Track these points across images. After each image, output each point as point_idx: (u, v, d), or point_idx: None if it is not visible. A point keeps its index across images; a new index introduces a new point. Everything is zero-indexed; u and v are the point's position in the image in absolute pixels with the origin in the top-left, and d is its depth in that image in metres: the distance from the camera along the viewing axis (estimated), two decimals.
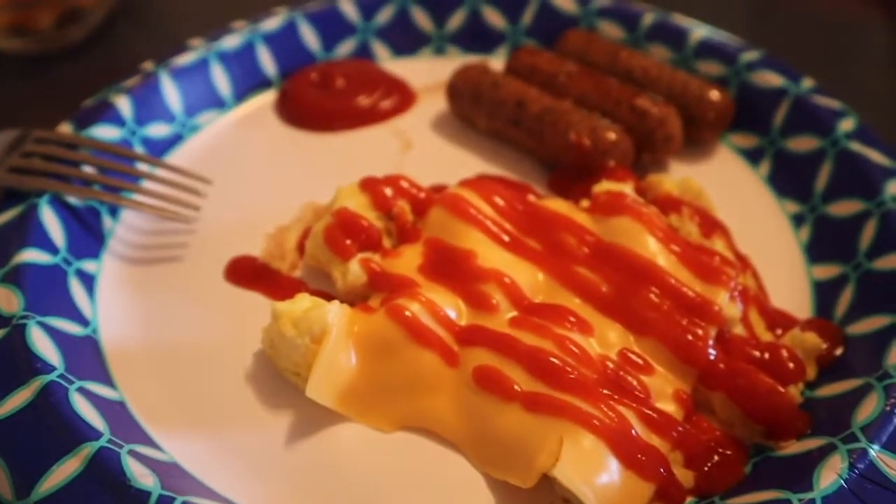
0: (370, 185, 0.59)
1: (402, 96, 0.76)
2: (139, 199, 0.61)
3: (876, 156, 0.60)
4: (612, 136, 0.63)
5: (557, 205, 0.57)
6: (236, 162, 0.69)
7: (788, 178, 0.65)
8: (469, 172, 0.67)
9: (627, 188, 0.59)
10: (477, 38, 0.81)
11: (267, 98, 0.75)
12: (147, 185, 0.62)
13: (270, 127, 0.73)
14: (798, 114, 0.66)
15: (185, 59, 0.71)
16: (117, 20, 0.90)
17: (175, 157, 0.68)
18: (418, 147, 0.71)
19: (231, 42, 0.74)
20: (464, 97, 0.70)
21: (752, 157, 0.68)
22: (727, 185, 0.66)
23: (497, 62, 0.79)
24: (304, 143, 0.71)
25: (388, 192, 0.58)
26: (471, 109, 0.70)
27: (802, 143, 0.65)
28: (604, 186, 0.58)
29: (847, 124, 0.63)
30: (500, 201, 0.57)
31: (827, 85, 0.72)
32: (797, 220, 0.62)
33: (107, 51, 0.87)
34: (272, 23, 0.77)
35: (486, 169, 0.68)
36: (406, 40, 0.81)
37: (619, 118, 0.66)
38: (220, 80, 0.73)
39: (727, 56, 0.72)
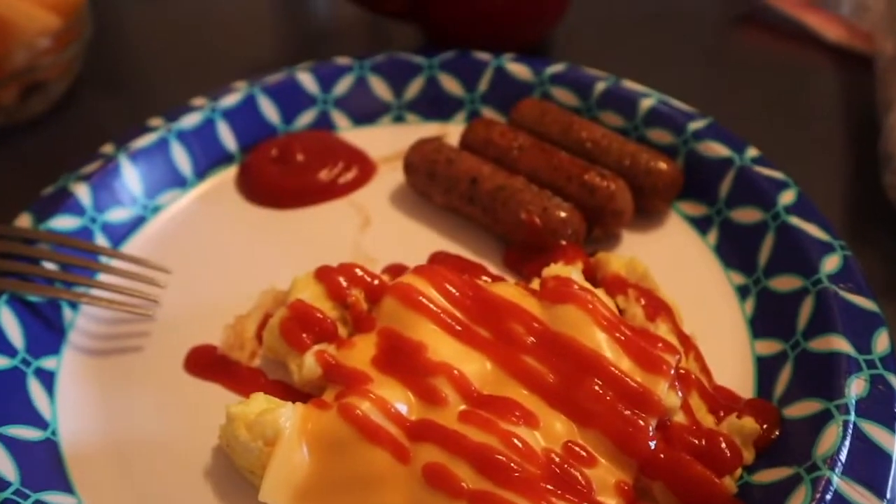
0: (325, 275, 0.60)
1: (362, 168, 0.77)
2: (99, 294, 0.62)
3: (814, 230, 0.62)
4: (562, 214, 0.65)
5: (507, 291, 0.59)
6: (197, 244, 0.70)
7: (734, 249, 0.67)
8: (426, 248, 0.69)
9: (576, 272, 0.60)
10: (435, 105, 0.83)
11: (228, 174, 0.77)
12: (107, 277, 0.64)
13: (231, 204, 0.74)
14: (742, 185, 0.68)
15: (144, 141, 0.73)
16: (79, 91, 0.92)
17: (136, 241, 0.70)
18: (377, 223, 0.72)
19: (191, 120, 0.75)
20: (419, 173, 0.72)
21: (701, 226, 0.70)
22: (677, 255, 0.68)
23: (455, 129, 0.81)
24: (264, 221, 0.73)
25: (343, 281, 0.60)
26: (426, 185, 0.71)
27: (746, 215, 0.67)
28: (552, 271, 0.60)
29: (788, 196, 0.65)
30: (451, 289, 0.58)
31: (776, 137, 0.75)
32: (742, 292, 0.64)
33: (71, 122, 0.89)
34: (231, 98, 0.78)
35: (443, 245, 0.70)
36: (365, 110, 0.83)
37: (570, 194, 0.68)
38: (181, 158, 0.75)
39: (675, 125, 0.74)
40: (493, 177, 0.68)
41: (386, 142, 0.80)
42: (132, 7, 1.10)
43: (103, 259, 0.65)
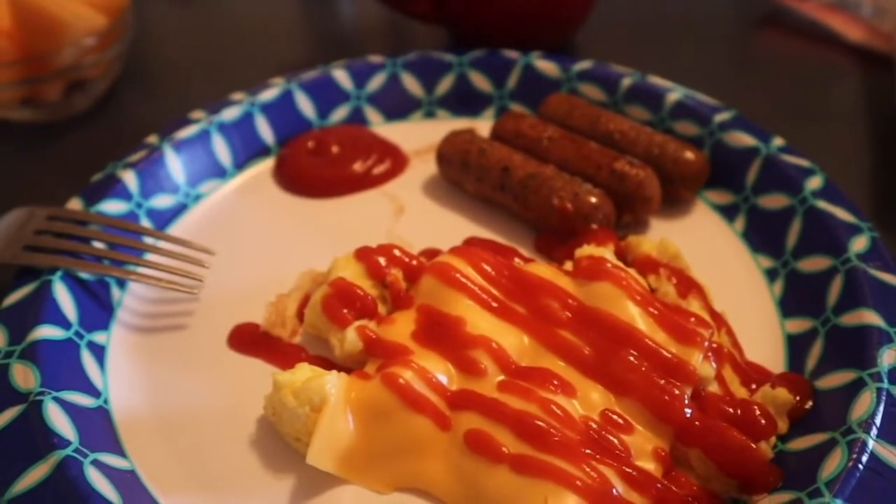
0: (364, 255, 0.62)
1: (395, 161, 0.80)
2: (146, 273, 0.64)
3: (841, 213, 0.64)
4: (593, 199, 0.67)
5: (542, 270, 0.60)
6: (238, 229, 0.72)
7: (762, 234, 0.68)
8: (459, 235, 0.71)
9: (608, 252, 0.62)
10: (465, 101, 0.85)
11: (266, 165, 0.79)
12: (153, 257, 0.66)
13: (269, 194, 0.76)
14: (769, 172, 0.70)
15: (187, 132, 0.75)
16: (121, 89, 0.95)
17: (179, 226, 0.72)
18: (410, 211, 0.74)
19: (231, 113, 0.78)
20: (452, 164, 0.74)
21: (728, 213, 0.72)
22: (705, 241, 0.70)
23: (484, 125, 0.83)
24: (301, 209, 0.75)
25: (382, 261, 0.62)
26: (459, 175, 0.73)
27: (773, 201, 0.69)
28: (585, 251, 0.62)
29: (814, 182, 0.67)
30: (487, 268, 0.60)
31: (799, 137, 0.76)
32: (771, 275, 0.65)
33: (111, 119, 0.92)
34: (269, 93, 0.81)
35: (475, 231, 0.72)
36: (397, 105, 0.85)
37: (600, 182, 0.69)
38: (221, 150, 0.77)
39: (701, 117, 0.76)
40: (525, 165, 0.70)
41: (417, 136, 0.83)
42: (169, 10, 1.14)
43: (150, 240, 0.67)
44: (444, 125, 0.84)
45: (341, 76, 0.84)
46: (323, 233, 0.72)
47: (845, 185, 0.70)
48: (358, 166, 0.78)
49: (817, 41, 1.00)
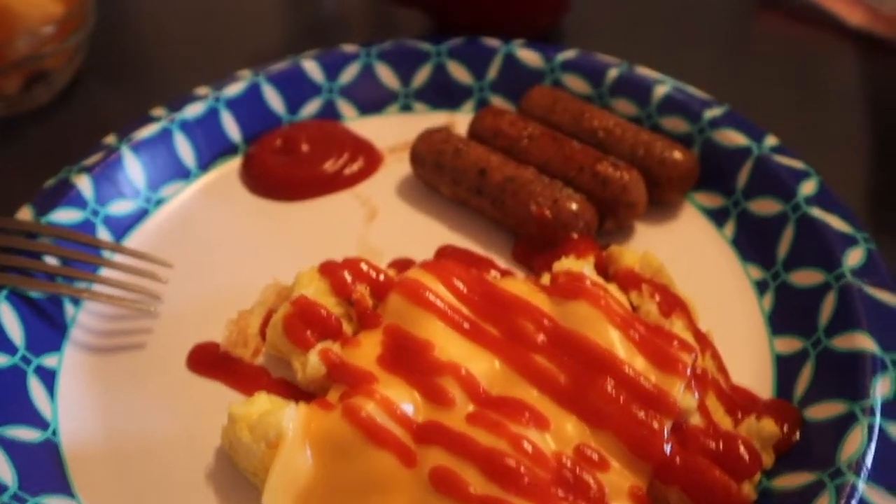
0: (329, 271, 0.59)
1: (368, 159, 0.76)
2: (101, 291, 0.61)
3: (836, 222, 0.60)
4: (573, 206, 0.63)
5: (517, 286, 0.57)
6: (201, 236, 0.69)
7: (752, 242, 0.65)
8: (433, 242, 0.67)
9: (588, 265, 0.59)
10: (443, 93, 0.81)
11: (233, 165, 0.75)
12: (110, 272, 0.62)
13: (236, 196, 0.73)
14: (760, 175, 0.66)
15: (147, 132, 0.71)
16: (86, 79, 0.90)
17: (139, 234, 0.68)
18: (383, 215, 0.70)
19: (194, 110, 0.74)
20: (426, 164, 0.70)
21: (717, 217, 0.68)
22: (693, 248, 0.66)
23: (463, 118, 0.79)
24: (269, 213, 0.71)
25: (348, 276, 0.58)
26: (434, 177, 0.69)
27: (765, 206, 0.65)
28: (564, 265, 0.58)
29: (808, 187, 0.63)
30: (459, 285, 0.57)
31: (795, 126, 0.72)
32: (761, 287, 0.62)
33: (75, 112, 0.87)
34: (235, 87, 0.76)
35: (450, 238, 0.68)
36: (372, 98, 0.81)
37: (581, 185, 0.66)
38: (184, 150, 0.73)
39: (690, 113, 0.71)
40: (503, 168, 0.66)
41: (393, 131, 0.79)
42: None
43: (105, 253, 0.64)
44: (422, 119, 0.80)
45: (312, 68, 0.79)
46: (290, 240, 0.68)
47: (843, 180, 0.66)
48: (329, 166, 0.74)
49: (816, 25, 0.95)
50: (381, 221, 0.70)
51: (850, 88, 0.86)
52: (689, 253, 0.66)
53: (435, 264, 0.58)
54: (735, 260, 0.65)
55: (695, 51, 0.93)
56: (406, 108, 0.81)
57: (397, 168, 0.75)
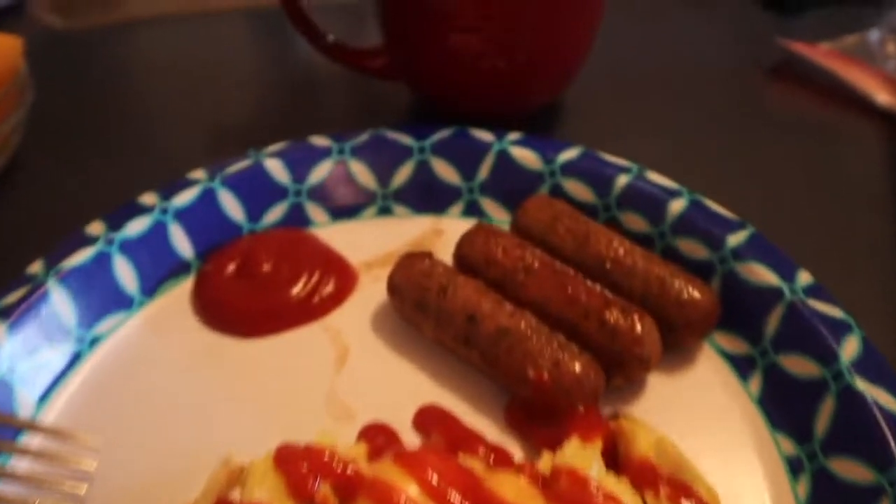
0: (286, 462, 0.49)
1: (340, 279, 0.66)
2: (17, 472, 0.51)
3: (886, 398, 0.51)
4: (577, 370, 0.54)
5: (511, 488, 0.48)
6: (142, 389, 0.58)
7: (784, 406, 0.55)
8: (414, 395, 0.58)
9: (595, 457, 0.49)
10: (427, 194, 0.71)
11: (183, 289, 0.65)
12: (25, 460, 0.53)
13: (186, 330, 0.62)
14: (793, 325, 0.57)
15: (79, 258, 0.61)
16: (25, 162, 0.80)
17: (69, 388, 0.57)
18: (356, 357, 0.61)
19: (136, 227, 0.64)
20: (406, 301, 0.60)
21: (741, 367, 0.59)
22: (711, 406, 0.57)
23: (451, 223, 0.70)
24: (223, 354, 0.61)
25: (308, 470, 0.49)
26: (415, 316, 0.60)
27: (798, 365, 0.56)
28: (566, 457, 0.49)
29: (851, 347, 0.54)
30: (440, 485, 0.47)
31: (818, 233, 0.64)
32: (794, 467, 0.53)
33: (7, 206, 0.76)
34: (186, 196, 0.66)
35: (433, 391, 0.58)
36: (345, 201, 0.71)
37: (586, 334, 0.56)
38: (125, 274, 0.63)
39: (710, 237, 0.62)
40: (495, 314, 0.57)
41: (370, 240, 0.69)
42: (83, 71, 0.97)
43: (22, 436, 0.54)
44: (403, 225, 0.70)
45: (275, 168, 0.69)
46: (248, 392, 0.58)
47: (873, 303, 0.57)
48: (295, 291, 0.64)
49: (837, 99, 0.86)
50: (354, 366, 0.60)
51: (878, 183, 0.77)
52: (707, 412, 0.56)
53: (412, 459, 0.49)
54: (762, 424, 0.55)
55: (702, 123, 0.84)
56: (385, 211, 0.71)
57: (374, 291, 0.65)
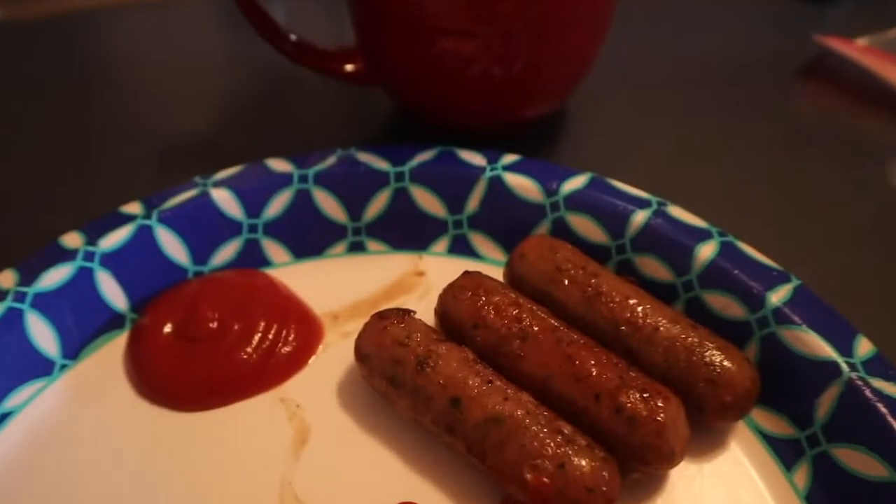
0: None
1: (301, 335, 0.55)
2: None
3: None
4: (586, 471, 0.43)
5: None
6: (60, 480, 0.47)
7: None
8: (386, 492, 0.47)
9: None
10: (407, 228, 0.60)
11: (115, 346, 0.54)
12: None
13: (116, 402, 0.52)
14: (850, 410, 0.46)
15: None
16: None
17: None
18: (317, 440, 0.50)
19: (55, 277, 0.53)
20: (376, 374, 0.49)
21: (784, 453, 0.48)
22: (746, 500, 0.47)
23: (434, 263, 0.59)
24: (159, 434, 0.50)
25: None
26: (388, 392, 0.49)
27: (859, 462, 0.45)
28: None
29: None
30: None
31: (847, 250, 0.54)
32: None
33: None
34: (117, 236, 0.55)
35: (411, 485, 0.47)
36: (310, 236, 0.60)
37: (598, 422, 0.46)
38: (42, 335, 0.52)
39: (747, 293, 0.51)
40: (484, 398, 0.46)
41: (338, 285, 0.58)
42: (17, 68, 0.85)
43: None
44: (378, 264, 0.59)
45: (225, 199, 0.58)
46: (186, 487, 0.48)
47: None
48: (247, 353, 0.54)
49: (874, 102, 0.75)
50: (315, 451, 0.49)
51: None
52: None
53: None
54: None
55: (724, 129, 0.73)
56: (357, 248, 0.60)
57: (341, 351, 0.54)
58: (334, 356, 0.54)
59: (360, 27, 0.66)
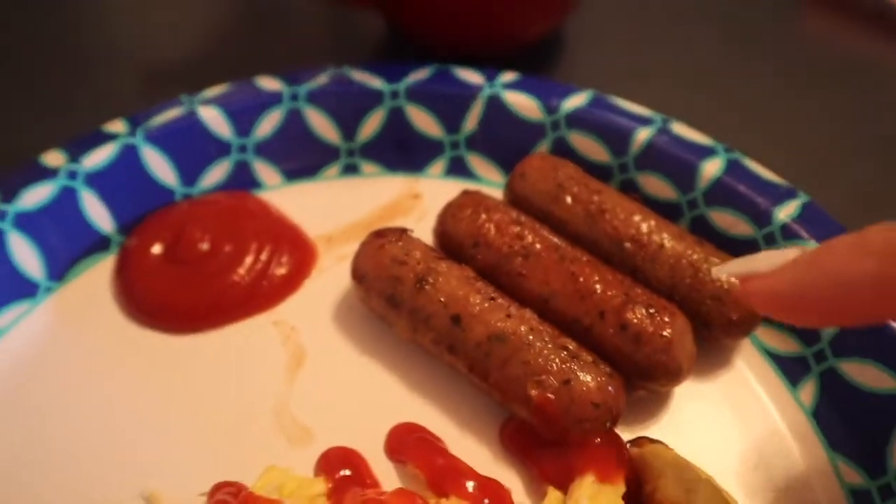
0: None
1: (295, 258, 0.53)
2: None
3: None
4: (591, 387, 0.42)
5: None
6: (48, 402, 0.46)
7: (845, 423, 0.44)
8: (385, 411, 0.46)
9: (615, 499, 0.39)
10: (402, 150, 0.58)
11: (102, 269, 0.53)
12: None
13: (104, 324, 0.50)
14: (858, 329, 0.45)
15: None
16: None
17: None
18: (313, 360, 0.49)
19: (38, 196, 0.51)
20: (374, 293, 0.48)
21: (790, 371, 0.47)
22: (753, 417, 0.46)
23: (431, 186, 0.57)
24: (148, 355, 0.49)
25: None
26: (386, 312, 0.48)
27: (868, 375, 0.44)
28: (580, 497, 0.38)
29: None
30: None
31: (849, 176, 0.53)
32: (860, 501, 0.43)
33: None
34: (101, 155, 0.53)
35: (410, 406, 0.46)
36: (302, 157, 0.58)
37: (603, 340, 0.45)
38: (25, 256, 0.50)
39: (754, 210, 0.50)
40: (487, 315, 0.45)
41: (332, 207, 0.56)
42: None
43: None
44: (372, 187, 0.58)
45: (214, 118, 0.56)
46: (178, 408, 0.46)
47: None
48: (238, 275, 0.52)
49: (881, 24, 0.72)
50: (311, 373, 0.48)
51: None
52: (749, 426, 0.45)
53: None
54: (817, 444, 0.45)
55: (725, 59, 0.71)
56: (350, 170, 0.58)
57: (336, 274, 0.53)
58: (329, 279, 0.53)
59: None
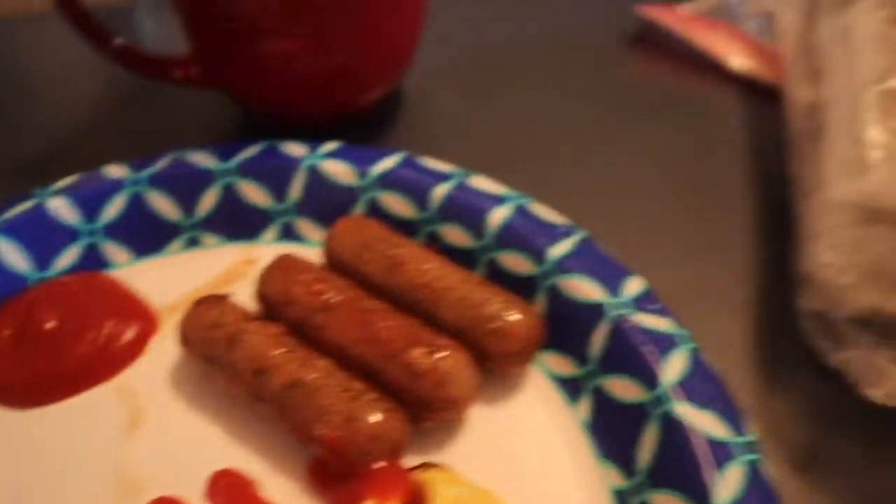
0: None
1: (138, 329, 0.59)
2: None
3: (709, 422, 0.46)
4: (372, 422, 0.48)
5: None
6: None
7: (611, 435, 0.50)
8: (208, 461, 0.51)
9: None
10: (237, 220, 0.64)
11: None
12: None
13: None
14: (616, 344, 0.51)
15: None
16: None
17: None
18: (152, 419, 0.54)
19: None
20: (197, 354, 0.54)
21: (570, 390, 0.53)
22: (536, 435, 0.51)
23: (268, 251, 0.63)
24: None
25: None
26: (207, 370, 0.54)
27: (623, 389, 0.51)
28: None
29: (676, 366, 0.49)
30: None
31: (672, 207, 0.61)
32: (622, 500, 0.48)
33: None
34: None
35: (232, 453, 0.52)
36: (147, 236, 0.64)
37: (391, 379, 0.50)
38: None
39: (534, 248, 0.56)
40: (285, 366, 0.50)
41: (176, 279, 0.62)
42: None
43: None
44: (212, 257, 0.63)
45: (61, 208, 0.62)
46: (13, 490, 0.52)
47: (720, 296, 0.53)
48: (83, 348, 0.57)
49: (697, 66, 0.80)
50: (149, 431, 0.53)
51: (732, 152, 0.72)
52: (532, 444, 0.51)
53: None
54: (589, 454, 0.51)
55: (557, 103, 0.78)
56: (193, 243, 0.64)
57: (175, 340, 0.58)
58: (168, 344, 0.58)
59: (189, 32, 0.70)
